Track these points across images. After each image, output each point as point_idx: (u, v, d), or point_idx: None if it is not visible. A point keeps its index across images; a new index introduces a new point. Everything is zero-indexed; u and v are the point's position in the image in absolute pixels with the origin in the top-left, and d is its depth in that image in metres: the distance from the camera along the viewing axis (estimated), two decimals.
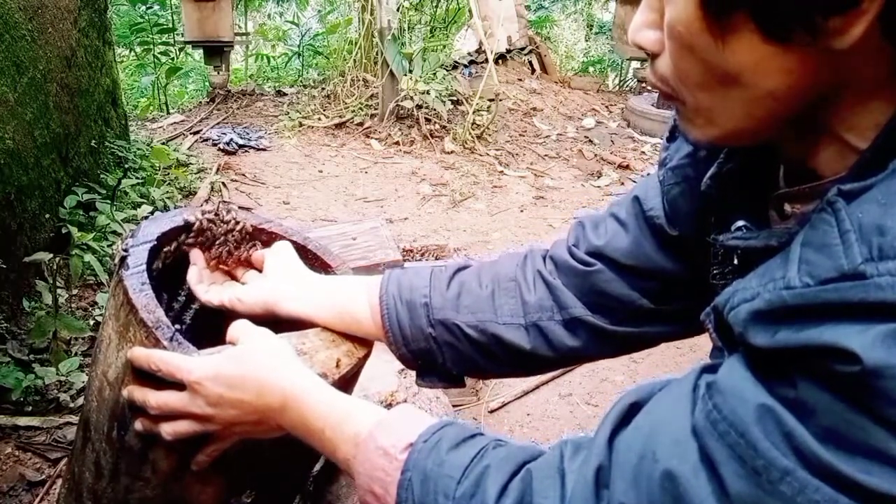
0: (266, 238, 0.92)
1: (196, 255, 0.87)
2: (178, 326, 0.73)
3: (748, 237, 0.54)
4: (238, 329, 0.74)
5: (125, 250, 0.79)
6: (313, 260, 0.93)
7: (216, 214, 0.88)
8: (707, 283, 0.63)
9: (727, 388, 0.44)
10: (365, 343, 0.83)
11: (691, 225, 0.69)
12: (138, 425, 0.75)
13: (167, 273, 0.87)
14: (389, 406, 1.35)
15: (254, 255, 0.90)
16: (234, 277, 0.92)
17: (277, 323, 0.82)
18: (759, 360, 0.43)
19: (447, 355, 0.81)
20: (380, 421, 0.64)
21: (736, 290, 0.46)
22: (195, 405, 0.70)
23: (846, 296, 0.38)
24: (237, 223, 0.88)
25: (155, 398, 0.72)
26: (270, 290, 0.83)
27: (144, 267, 0.77)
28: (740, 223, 0.57)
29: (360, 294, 0.82)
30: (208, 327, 0.97)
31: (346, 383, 0.80)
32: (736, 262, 0.57)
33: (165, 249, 0.86)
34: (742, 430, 0.41)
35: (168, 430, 0.72)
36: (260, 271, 0.89)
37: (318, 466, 1.13)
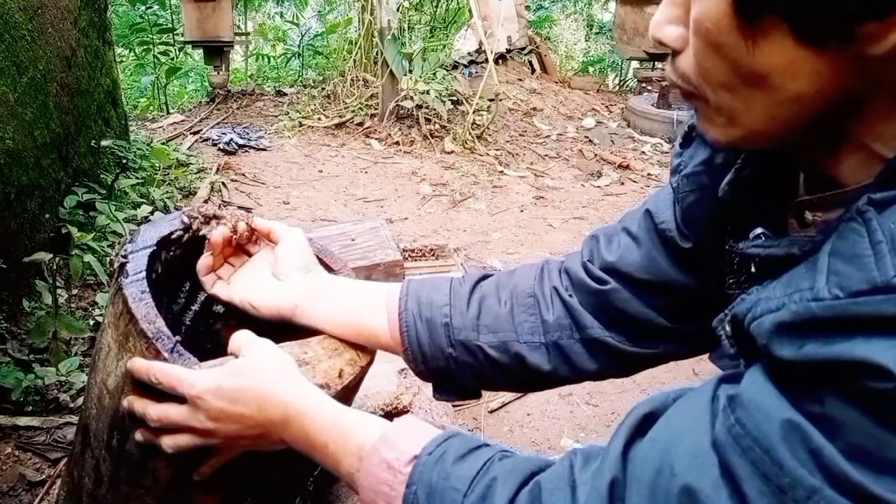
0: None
1: (215, 240, 0.84)
2: (178, 337, 0.72)
3: (769, 245, 0.52)
4: (240, 340, 0.73)
5: (124, 256, 0.78)
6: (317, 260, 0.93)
7: (205, 216, 0.86)
8: (721, 298, 0.62)
9: (750, 402, 0.43)
10: (367, 351, 0.82)
11: (706, 233, 0.68)
12: (138, 436, 0.74)
13: (168, 272, 0.87)
14: (392, 411, 1.35)
15: (257, 223, 0.86)
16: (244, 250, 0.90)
17: (279, 323, 0.82)
18: (784, 372, 0.42)
19: (466, 373, 0.81)
20: (383, 434, 0.63)
21: (758, 300, 0.45)
22: (196, 419, 0.69)
23: (879, 309, 0.37)
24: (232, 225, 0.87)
25: (155, 411, 0.70)
26: (286, 298, 0.81)
27: (144, 274, 0.76)
28: (758, 231, 0.55)
29: (379, 309, 0.81)
30: (209, 324, 0.97)
31: (348, 393, 0.79)
32: (753, 270, 0.56)
33: (164, 254, 0.85)
34: (767, 447, 0.40)
35: (169, 443, 0.71)
36: (266, 240, 0.87)
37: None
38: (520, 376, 0.80)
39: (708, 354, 0.70)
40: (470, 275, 0.85)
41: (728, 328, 0.51)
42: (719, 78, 0.46)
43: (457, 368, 0.80)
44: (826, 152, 0.49)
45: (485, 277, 0.85)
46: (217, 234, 0.84)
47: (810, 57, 0.41)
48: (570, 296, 0.79)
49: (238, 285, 0.85)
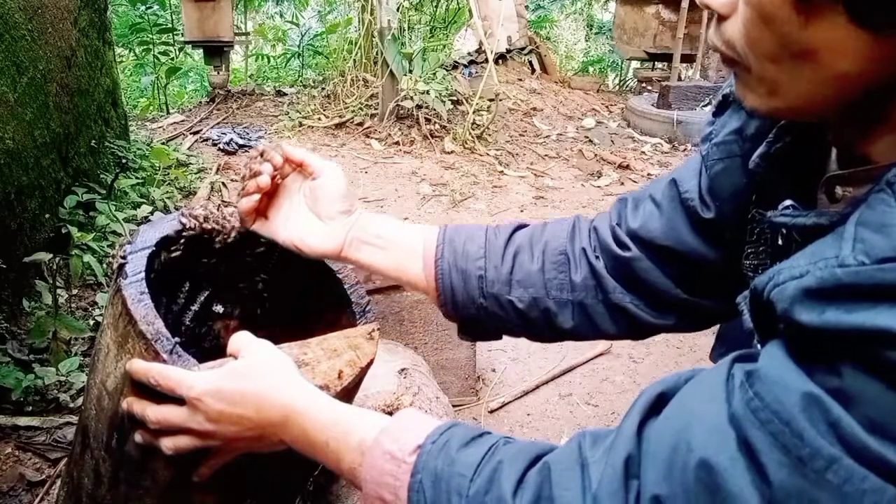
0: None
1: (263, 183, 0.83)
2: (177, 339, 0.72)
3: (797, 215, 0.53)
4: (239, 342, 0.73)
5: (123, 257, 0.78)
6: (316, 262, 0.93)
7: (205, 218, 0.86)
8: (738, 275, 0.63)
9: (769, 377, 0.43)
10: (367, 352, 0.82)
11: (730, 203, 0.69)
12: (138, 437, 0.74)
13: (168, 272, 0.86)
14: (392, 411, 1.35)
15: (290, 152, 0.85)
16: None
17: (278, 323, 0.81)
18: (802, 343, 0.43)
19: (493, 322, 0.84)
20: (385, 427, 0.64)
21: (781, 269, 0.46)
22: (195, 421, 0.69)
23: None
24: (228, 226, 0.87)
25: (154, 413, 0.70)
26: (332, 241, 0.84)
27: (143, 275, 0.76)
28: (788, 203, 0.56)
29: (417, 256, 0.84)
30: (209, 324, 0.97)
31: (348, 394, 0.79)
32: (780, 242, 0.57)
33: (164, 255, 0.85)
34: (787, 419, 0.41)
35: (168, 444, 0.71)
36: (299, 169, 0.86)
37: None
38: (544, 331, 0.84)
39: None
40: (504, 226, 0.87)
41: (749, 301, 0.52)
42: (767, 49, 0.46)
43: (486, 317, 0.83)
44: (862, 130, 0.49)
45: (519, 228, 0.87)
46: (265, 176, 0.83)
47: (861, 38, 0.42)
48: (597, 258, 0.82)
49: (280, 224, 0.86)
